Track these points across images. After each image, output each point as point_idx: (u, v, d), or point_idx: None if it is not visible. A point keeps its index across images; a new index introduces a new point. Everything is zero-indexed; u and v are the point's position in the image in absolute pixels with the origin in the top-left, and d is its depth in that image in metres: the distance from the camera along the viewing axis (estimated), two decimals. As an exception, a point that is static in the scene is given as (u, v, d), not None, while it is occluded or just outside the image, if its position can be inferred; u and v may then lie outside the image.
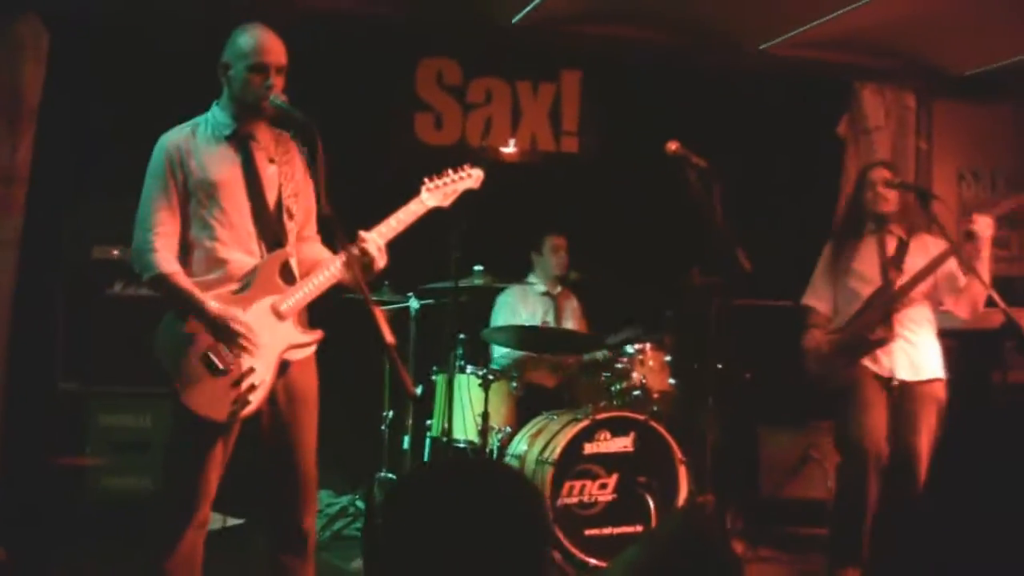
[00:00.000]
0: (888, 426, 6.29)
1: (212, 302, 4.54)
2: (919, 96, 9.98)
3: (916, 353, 6.36)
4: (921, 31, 8.71)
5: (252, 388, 4.54)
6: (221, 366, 4.50)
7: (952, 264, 6.31)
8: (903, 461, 6.26)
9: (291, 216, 4.82)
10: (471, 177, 5.16)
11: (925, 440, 6.26)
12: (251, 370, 4.55)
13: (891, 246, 6.44)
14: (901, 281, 6.30)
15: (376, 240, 4.74)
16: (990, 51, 9.31)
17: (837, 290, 6.53)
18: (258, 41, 4.71)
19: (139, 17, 7.63)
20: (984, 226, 6.14)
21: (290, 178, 4.84)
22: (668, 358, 7.53)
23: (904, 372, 6.29)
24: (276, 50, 4.74)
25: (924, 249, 6.44)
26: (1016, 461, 6.72)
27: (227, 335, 4.53)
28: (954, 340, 7.98)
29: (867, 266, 6.44)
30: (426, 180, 5.02)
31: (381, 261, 4.75)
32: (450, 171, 5.10)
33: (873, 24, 8.42)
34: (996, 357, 7.24)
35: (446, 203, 5.07)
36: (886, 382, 6.28)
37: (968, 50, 9.30)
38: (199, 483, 4.59)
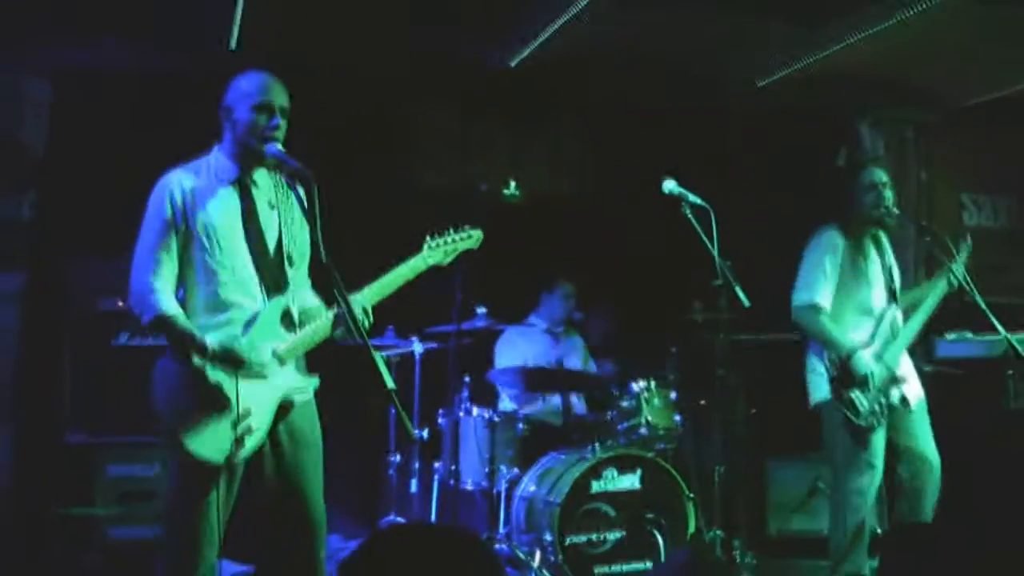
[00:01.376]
0: (895, 444, 6.39)
1: (212, 340, 4.56)
2: (917, 127, 10.03)
3: (910, 374, 6.46)
4: (918, 63, 8.75)
5: (249, 430, 4.55)
6: (218, 408, 4.51)
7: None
8: (925, 473, 6.40)
9: (291, 262, 4.85)
10: (471, 238, 5.22)
11: (934, 448, 6.47)
12: (248, 412, 4.56)
13: (885, 252, 6.57)
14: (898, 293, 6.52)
15: (363, 304, 4.76)
16: (988, 82, 9.35)
17: (837, 289, 6.51)
18: (262, 82, 4.74)
19: (142, 72, 7.70)
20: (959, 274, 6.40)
21: (290, 223, 4.88)
22: (673, 395, 7.52)
23: (910, 396, 6.41)
24: (279, 91, 4.77)
25: (890, 251, 6.72)
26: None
27: (232, 363, 4.55)
28: (959, 368, 8.01)
29: (873, 271, 6.53)
30: (428, 238, 5.06)
31: (367, 323, 4.73)
32: (451, 230, 5.14)
33: (869, 58, 8.46)
34: (999, 385, 7.25)
35: (445, 261, 5.13)
36: (891, 408, 6.36)
37: (965, 81, 9.34)
38: (201, 528, 4.59)
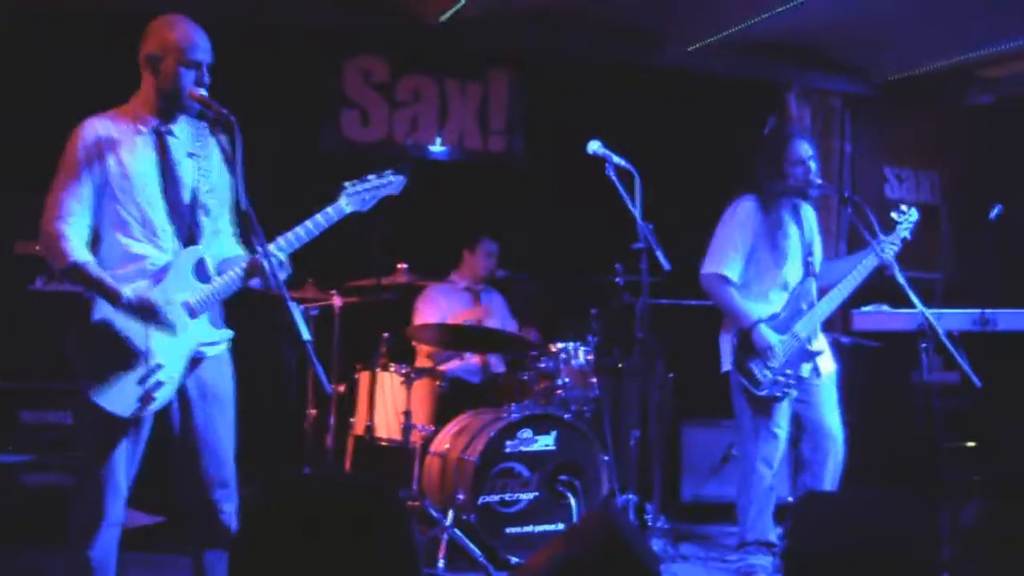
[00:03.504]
0: (801, 416, 6.46)
1: (127, 288, 4.50)
2: (844, 99, 10.10)
3: (821, 347, 6.53)
4: (847, 36, 8.82)
5: (159, 384, 4.51)
6: (128, 361, 4.46)
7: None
8: (826, 446, 6.47)
9: (207, 212, 4.77)
10: (392, 183, 5.03)
11: (839, 423, 6.53)
12: (159, 366, 4.51)
13: (804, 225, 6.58)
14: (815, 267, 6.57)
15: (282, 253, 4.69)
16: (914, 57, 9.44)
17: (750, 260, 6.54)
18: (192, 37, 4.64)
19: (57, 8, 7.57)
20: (891, 250, 6.48)
21: (207, 173, 4.81)
22: (591, 357, 7.53)
23: (821, 369, 6.46)
24: (208, 48, 4.67)
25: (812, 221, 6.75)
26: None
27: (145, 313, 4.49)
28: (874, 340, 8.10)
29: (789, 244, 6.53)
30: (346, 184, 4.91)
31: (282, 275, 4.61)
32: (371, 176, 4.98)
33: (800, 28, 8.52)
34: (914, 358, 7.31)
35: (365, 208, 4.97)
36: (801, 381, 6.42)
37: (893, 55, 9.42)
38: (107, 480, 4.55)
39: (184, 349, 4.59)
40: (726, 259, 6.51)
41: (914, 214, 6.64)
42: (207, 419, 4.72)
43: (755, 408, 6.40)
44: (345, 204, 4.90)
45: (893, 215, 6.60)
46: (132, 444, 4.58)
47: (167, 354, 4.53)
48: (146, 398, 4.47)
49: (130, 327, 4.47)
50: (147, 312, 4.49)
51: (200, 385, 4.70)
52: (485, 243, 8.42)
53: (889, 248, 6.44)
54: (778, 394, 6.34)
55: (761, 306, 6.47)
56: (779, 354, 6.33)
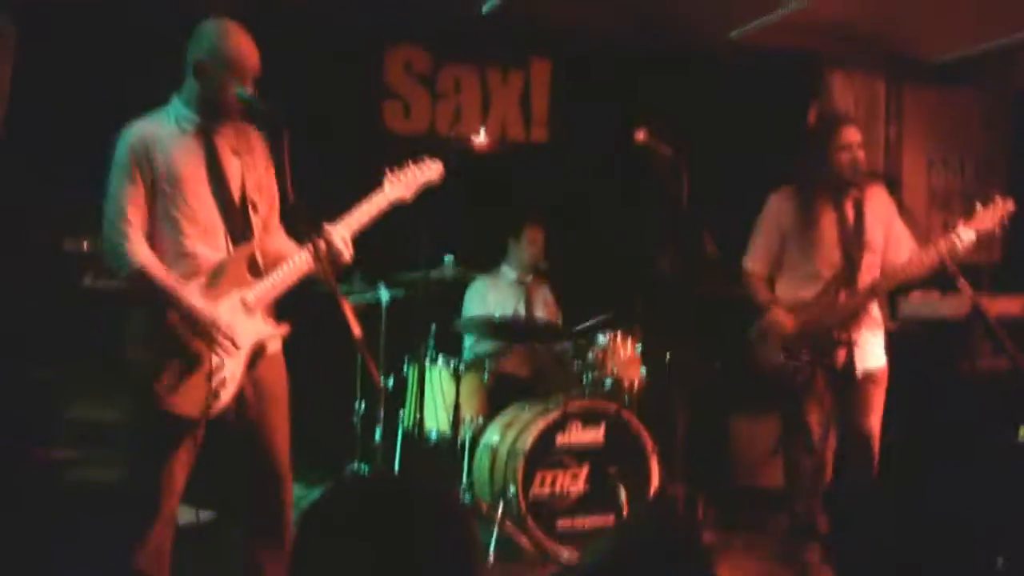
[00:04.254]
0: (838, 412, 6.35)
1: (195, 297, 4.51)
2: (889, 83, 10.03)
3: (865, 342, 6.40)
4: (890, 18, 8.75)
5: (223, 383, 4.53)
6: (191, 362, 4.47)
7: (898, 231, 6.49)
8: (857, 443, 6.35)
9: (255, 209, 4.79)
10: (432, 170, 5.16)
11: (876, 422, 6.36)
12: (222, 365, 4.53)
13: (850, 214, 6.43)
14: (865, 258, 6.36)
15: (341, 233, 4.75)
16: (959, 38, 9.36)
17: (784, 252, 6.48)
18: (239, 47, 4.67)
19: (107, 11, 7.59)
20: (968, 240, 6.19)
21: (253, 170, 4.82)
22: (639, 348, 7.50)
23: (857, 364, 6.33)
24: (255, 57, 4.71)
25: (877, 213, 6.47)
26: (983, 445, 6.80)
27: (206, 334, 4.51)
28: (922, 328, 8.03)
29: (826, 234, 6.36)
30: (388, 172, 5.02)
31: (347, 254, 4.77)
32: (411, 163, 5.11)
33: (842, 11, 8.45)
34: (964, 345, 7.26)
35: (408, 195, 5.07)
36: (836, 373, 6.31)
37: (938, 37, 9.35)
38: (166, 479, 4.57)
39: (245, 347, 4.61)
40: (751, 252, 6.54)
41: (1009, 204, 6.43)
42: (262, 416, 4.75)
43: (790, 395, 6.34)
44: (389, 191, 4.95)
45: (979, 205, 6.41)
46: (192, 442, 4.60)
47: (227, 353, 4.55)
48: (212, 398, 4.49)
49: (191, 327, 4.48)
50: (203, 331, 4.50)
51: (256, 383, 4.73)
52: (529, 231, 8.39)
53: (965, 237, 6.28)
54: (789, 380, 6.27)
55: (794, 295, 6.41)
56: (793, 336, 6.26)
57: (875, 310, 6.46)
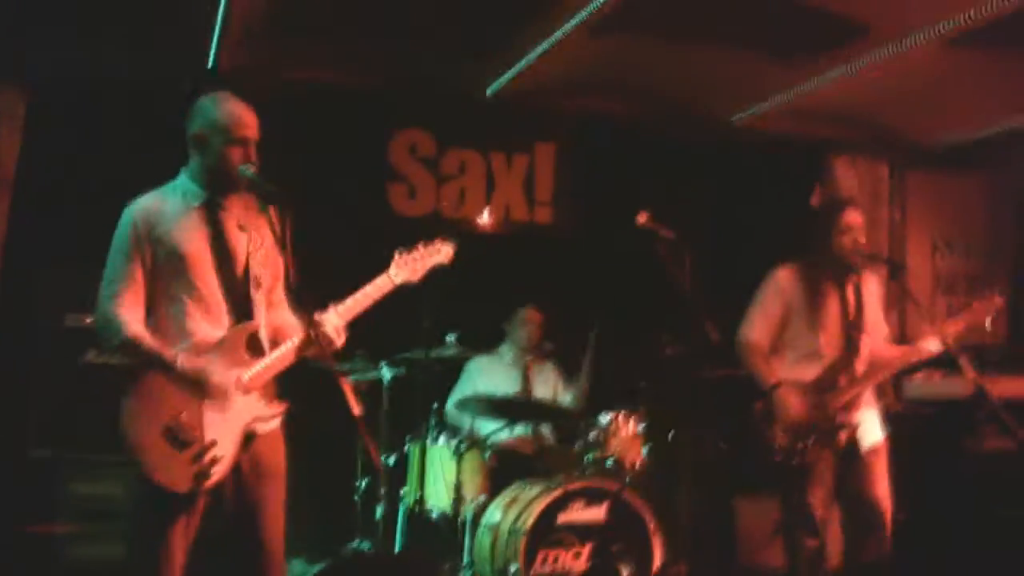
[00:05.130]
0: (842, 492, 6.35)
1: (180, 356, 4.52)
2: (892, 167, 10.08)
3: (865, 420, 6.41)
4: (893, 103, 8.81)
5: (215, 461, 4.51)
6: (183, 438, 4.47)
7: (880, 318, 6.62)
8: (870, 515, 6.34)
9: (259, 285, 4.80)
10: (441, 252, 5.12)
11: (885, 491, 6.36)
12: (213, 443, 4.52)
13: (851, 296, 6.49)
14: (863, 342, 6.42)
15: (333, 320, 4.72)
16: (963, 123, 9.41)
17: (786, 328, 6.50)
18: (238, 115, 4.70)
19: (115, 87, 7.67)
20: (935, 346, 6.30)
21: (259, 245, 4.82)
22: (642, 428, 7.50)
23: (859, 438, 6.35)
24: (253, 124, 4.73)
25: (872, 295, 6.61)
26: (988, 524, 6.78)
27: (198, 383, 4.51)
28: (927, 409, 8.02)
29: (830, 314, 6.43)
30: (396, 254, 5.00)
31: (338, 343, 4.71)
32: (421, 245, 5.06)
33: (845, 96, 8.51)
34: (968, 426, 7.25)
35: (415, 278, 5.03)
36: (840, 453, 6.32)
37: (941, 122, 9.41)
38: (163, 556, 4.54)
39: (237, 425, 4.60)
40: (753, 324, 6.53)
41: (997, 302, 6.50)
42: (259, 496, 4.73)
43: (792, 477, 6.33)
44: (395, 274, 4.96)
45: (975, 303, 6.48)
46: (187, 518, 4.58)
47: (221, 430, 4.54)
48: (201, 475, 4.48)
49: (183, 403, 4.48)
50: (200, 381, 4.51)
51: (254, 461, 4.71)
52: (521, 312, 8.43)
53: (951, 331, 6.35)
54: (794, 462, 6.27)
55: (794, 374, 6.42)
56: (799, 420, 6.26)
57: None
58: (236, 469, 4.64)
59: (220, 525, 4.72)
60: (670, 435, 7.78)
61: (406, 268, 4.99)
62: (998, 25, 7.03)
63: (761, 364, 6.44)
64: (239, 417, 4.61)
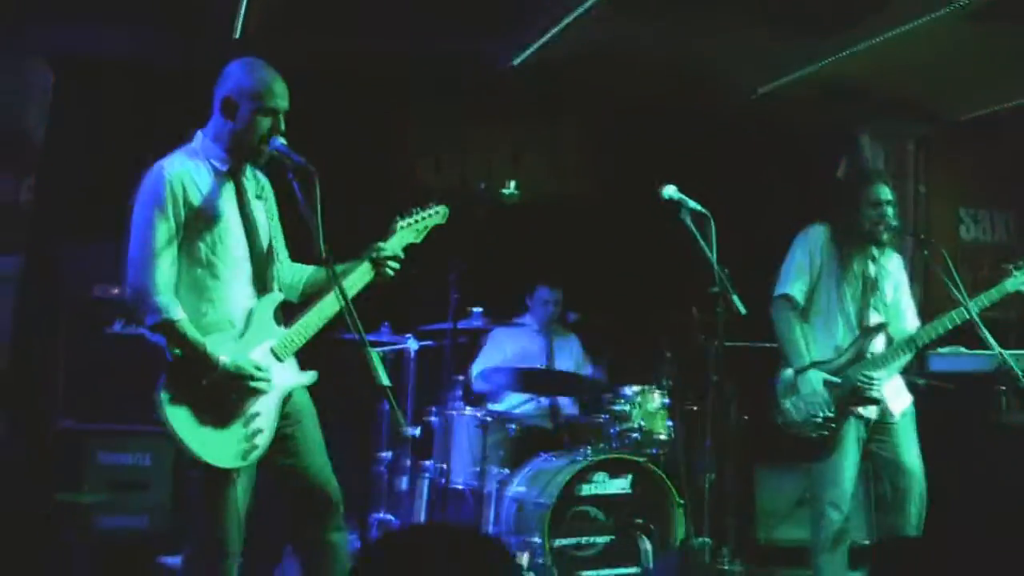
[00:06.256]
0: (874, 463, 6.37)
1: (223, 355, 4.52)
2: (917, 140, 10.05)
3: (891, 388, 6.42)
4: (917, 76, 8.78)
5: (259, 432, 4.55)
6: (226, 416, 4.49)
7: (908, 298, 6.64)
8: (907, 481, 6.34)
9: (277, 255, 4.86)
10: (439, 214, 5.26)
11: (917, 460, 6.40)
12: (256, 415, 4.55)
13: (873, 269, 6.49)
14: (879, 314, 6.46)
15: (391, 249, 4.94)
16: (986, 96, 9.38)
17: (818, 291, 6.52)
18: (270, 84, 4.67)
19: (143, 60, 7.69)
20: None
21: (272, 216, 4.89)
22: (666, 400, 7.51)
23: (888, 407, 6.36)
24: (285, 95, 4.71)
25: (897, 269, 6.65)
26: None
27: (241, 387, 4.53)
28: (950, 383, 8.00)
29: (852, 285, 6.47)
30: (397, 218, 5.11)
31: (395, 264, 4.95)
32: (418, 208, 5.20)
33: (869, 70, 8.48)
34: (991, 399, 7.23)
35: (419, 239, 5.18)
36: (867, 422, 6.34)
37: (965, 95, 9.37)
38: (225, 526, 4.51)
39: (277, 395, 4.63)
40: (790, 280, 6.51)
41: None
42: (303, 441, 4.79)
43: (817, 449, 6.34)
44: (400, 237, 5.03)
45: (1008, 266, 6.48)
46: (242, 486, 4.60)
47: (262, 403, 4.57)
48: (249, 448, 4.51)
49: (224, 382, 4.49)
50: (241, 381, 4.52)
51: (295, 411, 4.76)
52: (541, 291, 8.46)
53: (982, 303, 6.33)
54: (812, 434, 6.28)
55: (825, 342, 6.43)
56: (822, 401, 6.27)
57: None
58: (280, 430, 4.68)
59: (278, 482, 4.78)
60: (694, 407, 7.80)
61: (409, 230, 5.13)
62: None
63: (796, 335, 6.42)
64: (278, 387, 4.64)
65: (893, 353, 6.37)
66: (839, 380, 6.28)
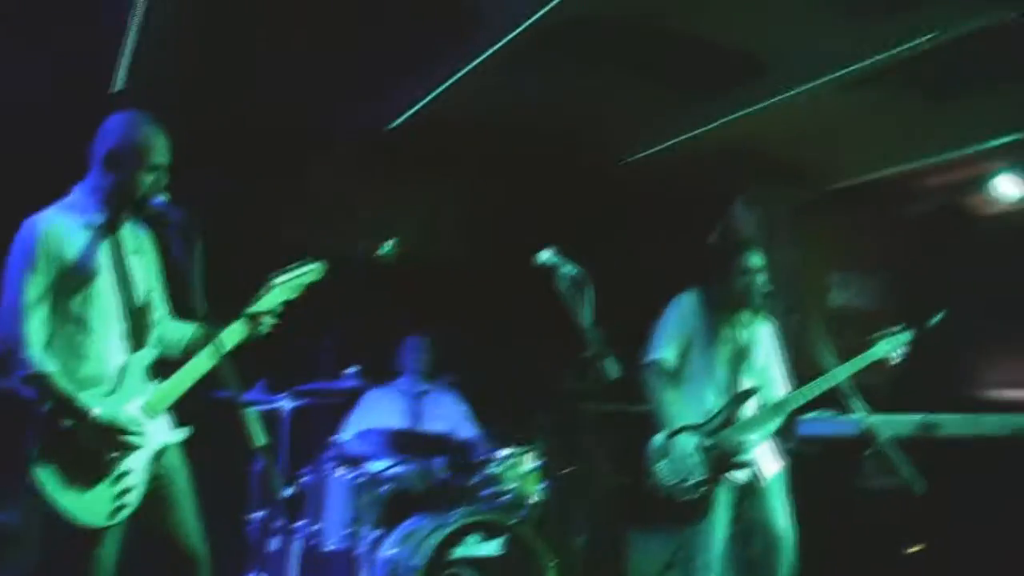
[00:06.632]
0: (745, 525, 6.42)
1: (96, 407, 4.46)
2: (791, 206, 10.23)
3: (763, 452, 6.51)
4: (793, 144, 8.97)
5: (129, 490, 4.49)
6: (97, 473, 4.42)
7: (778, 366, 6.74)
8: (778, 545, 6.43)
9: (152, 311, 4.81)
10: (314, 271, 5.26)
11: (788, 524, 6.48)
12: (127, 472, 4.49)
13: (743, 335, 6.58)
14: (747, 380, 6.55)
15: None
16: (859, 165, 9.61)
17: (689, 357, 6.60)
18: (152, 139, 4.69)
19: (18, 108, 7.59)
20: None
21: (149, 269, 4.86)
22: (539, 462, 7.53)
23: (760, 471, 6.42)
24: (167, 150, 4.73)
25: (767, 335, 6.77)
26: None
27: (112, 441, 4.46)
28: (815, 447, 8.12)
29: (723, 351, 6.58)
30: (273, 277, 5.12)
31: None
32: (294, 265, 5.21)
33: (747, 136, 8.65)
34: (857, 464, 7.36)
35: (294, 296, 5.16)
36: (739, 486, 6.41)
37: (838, 163, 9.60)
38: None
39: (148, 452, 4.59)
40: (661, 345, 6.61)
41: (905, 337, 6.64)
42: (179, 500, 4.75)
43: (689, 513, 6.38)
44: (276, 295, 4.98)
45: (876, 336, 6.61)
46: (115, 541, 4.53)
47: (133, 460, 4.52)
48: (119, 506, 4.45)
49: (96, 438, 4.42)
50: (112, 435, 4.46)
51: (168, 470, 4.71)
52: (410, 341, 8.47)
53: (850, 369, 6.45)
54: (683, 497, 6.32)
55: (696, 407, 6.49)
56: (693, 465, 6.32)
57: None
58: (151, 488, 4.62)
59: (142, 540, 4.71)
60: (567, 470, 7.83)
61: (285, 287, 5.12)
62: (892, 70, 7.22)
63: (666, 399, 6.48)
64: (149, 444, 4.59)
65: (763, 417, 6.46)
66: (710, 443, 6.35)
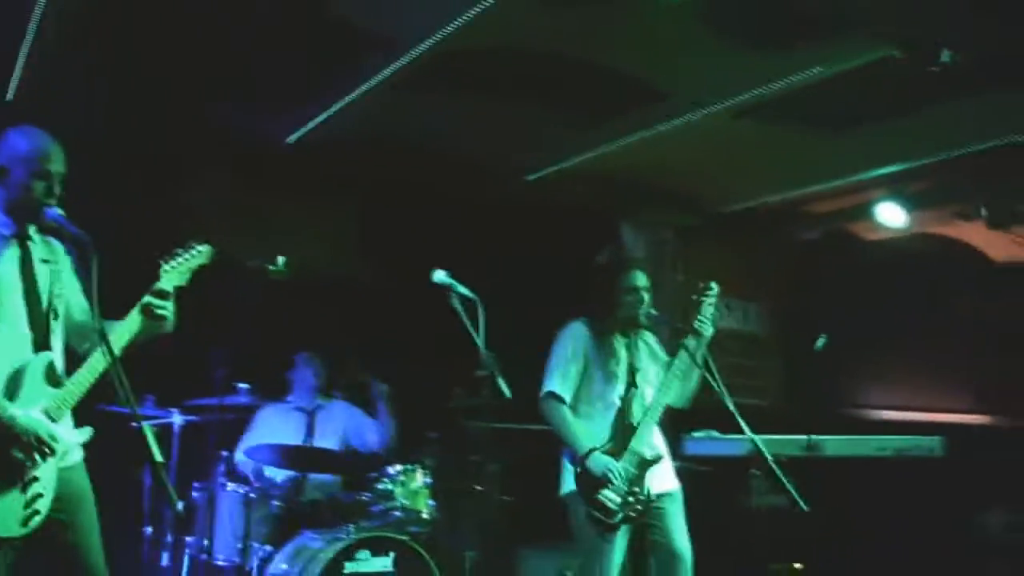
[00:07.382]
0: (646, 537, 6.48)
1: (18, 411, 4.45)
2: (677, 230, 10.38)
3: (660, 470, 6.55)
4: (682, 169, 9.12)
5: (39, 497, 4.46)
6: (9, 482, 4.39)
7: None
8: (677, 564, 6.40)
9: (56, 316, 4.78)
10: (202, 254, 5.22)
11: (686, 542, 6.44)
12: (35, 479, 4.46)
13: (633, 353, 6.67)
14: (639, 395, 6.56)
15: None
16: (743, 191, 9.79)
17: (582, 382, 6.59)
18: (41, 147, 4.67)
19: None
20: None
21: (59, 278, 4.82)
22: (428, 479, 7.58)
23: (657, 489, 6.47)
24: (60, 158, 4.71)
25: (652, 352, 6.78)
26: None
27: (24, 446, 4.44)
28: (704, 466, 8.25)
29: (620, 369, 6.57)
30: (162, 264, 5.04)
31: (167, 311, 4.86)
32: (181, 250, 5.15)
33: (635, 162, 8.77)
34: (743, 483, 7.49)
35: (183, 281, 5.09)
36: (640, 509, 6.45)
37: (723, 189, 9.77)
38: None
39: (56, 457, 4.55)
40: (555, 377, 6.52)
41: (714, 287, 6.74)
42: (73, 521, 4.68)
43: (597, 532, 6.37)
44: (167, 281, 4.97)
45: (694, 296, 6.70)
46: (22, 560, 4.49)
47: (43, 467, 4.48)
48: (30, 514, 4.42)
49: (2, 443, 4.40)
50: (29, 442, 4.44)
51: (75, 491, 4.68)
52: (300, 358, 8.49)
53: (704, 327, 6.57)
54: (632, 514, 6.34)
55: (597, 429, 6.52)
56: (620, 475, 6.35)
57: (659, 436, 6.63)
58: (57, 499, 4.59)
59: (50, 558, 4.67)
60: (457, 487, 7.87)
61: (174, 273, 5.04)
62: (779, 102, 7.41)
63: (570, 425, 6.42)
64: (58, 447, 4.56)
65: (645, 425, 6.49)
66: (625, 454, 6.36)
